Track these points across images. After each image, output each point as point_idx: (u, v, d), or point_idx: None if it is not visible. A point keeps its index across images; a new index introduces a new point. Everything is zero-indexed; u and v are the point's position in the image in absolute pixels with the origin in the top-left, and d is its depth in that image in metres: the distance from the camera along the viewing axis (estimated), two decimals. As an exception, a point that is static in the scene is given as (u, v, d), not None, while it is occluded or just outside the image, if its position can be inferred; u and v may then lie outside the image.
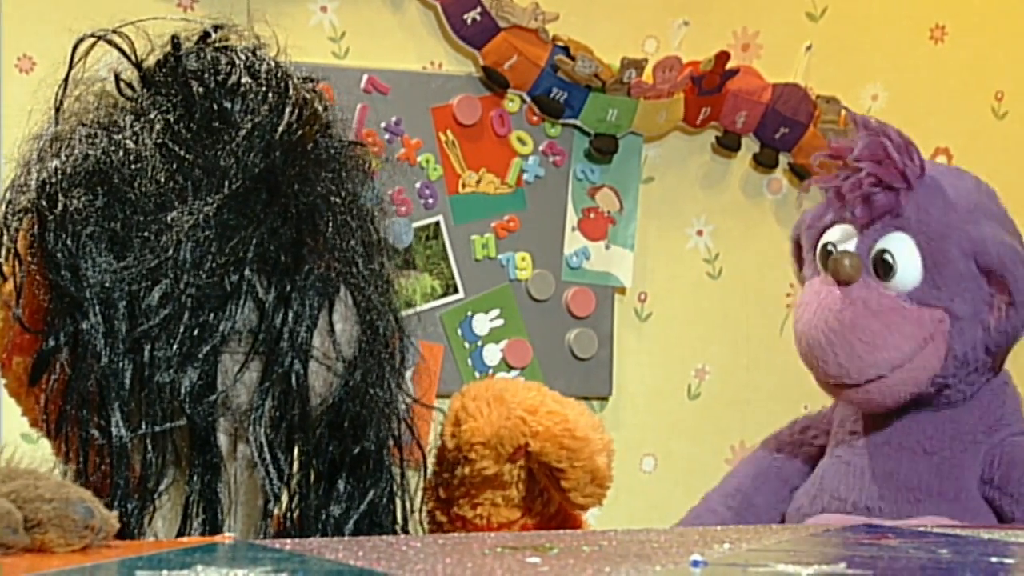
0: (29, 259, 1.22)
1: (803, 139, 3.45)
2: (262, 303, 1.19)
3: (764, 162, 3.49)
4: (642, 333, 3.42)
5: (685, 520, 2.32)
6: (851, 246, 1.90)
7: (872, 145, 1.88)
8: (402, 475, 1.32)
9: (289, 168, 1.22)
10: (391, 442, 1.30)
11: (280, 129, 1.22)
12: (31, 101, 1.30)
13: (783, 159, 3.51)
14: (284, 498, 1.25)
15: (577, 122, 3.30)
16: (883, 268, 1.86)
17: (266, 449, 1.20)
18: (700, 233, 3.47)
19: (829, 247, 1.92)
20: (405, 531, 1.32)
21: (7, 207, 1.25)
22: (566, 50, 3.24)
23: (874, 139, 1.88)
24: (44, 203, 1.20)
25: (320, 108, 1.28)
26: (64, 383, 1.19)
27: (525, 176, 3.29)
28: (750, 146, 3.49)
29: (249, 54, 1.26)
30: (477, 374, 3.20)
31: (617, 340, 3.37)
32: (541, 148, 3.31)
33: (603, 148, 3.32)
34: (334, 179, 1.25)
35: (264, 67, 1.25)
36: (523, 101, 3.29)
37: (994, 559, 0.88)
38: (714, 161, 3.49)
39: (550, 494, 1.35)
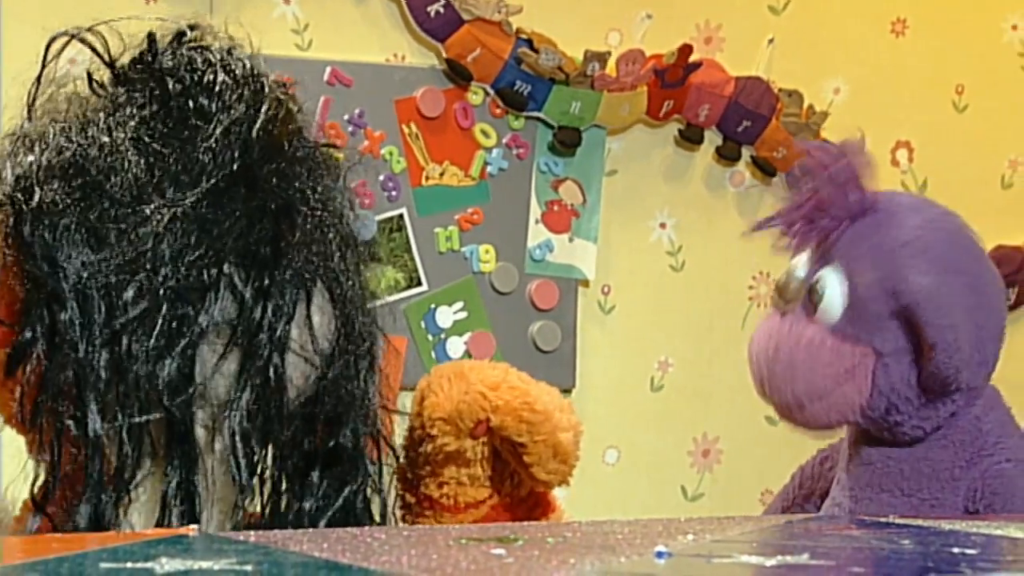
0: (5, 251, 1.21)
1: (765, 132, 3.46)
2: (241, 296, 1.19)
3: (727, 155, 3.50)
4: (605, 326, 3.43)
5: None
6: (801, 272, 1.91)
7: (813, 170, 1.89)
8: (379, 471, 1.32)
9: (266, 164, 1.22)
10: (366, 437, 1.30)
11: (256, 126, 1.22)
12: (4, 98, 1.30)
13: (746, 152, 3.52)
14: (259, 492, 1.25)
15: (541, 115, 3.31)
16: (813, 299, 1.87)
17: (240, 442, 1.20)
18: (663, 226, 3.48)
19: (784, 273, 1.95)
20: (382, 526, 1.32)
21: None
22: (530, 43, 3.24)
23: (816, 165, 1.88)
24: (20, 195, 1.19)
25: (294, 109, 1.29)
26: (40, 375, 1.19)
27: (489, 169, 3.29)
28: (713, 139, 3.50)
29: (224, 54, 1.27)
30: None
31: (580, 333, 3.38)
32: (505, 141, 3.31)
33: (566, 141, 3.32)
34: (309, 177, 1.25)
35: (239, 67, 1.26)
36: (487, 94, 3.29)
37: (955, 549, 0.88)
38: (677, 154, 3.50)
39: (519, 474, 1.35)
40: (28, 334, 1.19)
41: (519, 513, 1.39)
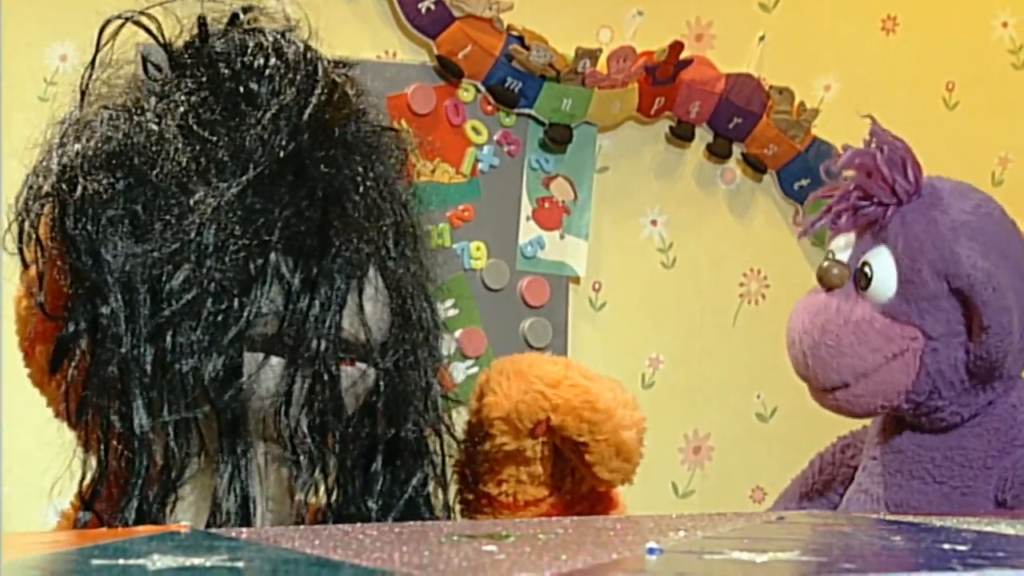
0: (51, 245, 1.20)
1: (756, 129, 3.46)
2: (288, 286, 1.16)
3: (717, 152, 3.50)
4: (596, 322, 3.43)
5: None
6: (844, 256, 1.91)
7: (861, 155, 1.89)
8: (443, 462, 1.30)
9: (316, 150, 1.19)
10: (430, 428, 1.28)
11: (308, 111, 1.19)
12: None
13: (736, 149, 3.52)
14: (322, 488, 1.22)
15: (532, 112, 3.31)
16: (862, 279, 1.87)
17: (298, 436, 1.17)
18: (654, 223, 3.48)
19: (829, 253, 1.94)
20: (448, 518, 1.30)
21: (28, 192, 1.23)
22: (521, 40, 3.24)
23: (866, 151, 1.88)
24: (64, 187, 1.17)
25: (351, 93, 1.26)
26: (85, 370, 1.17)
27: (480, 165, 3.29)
28: (704, 136, 3.50)
29: (278, 36, 1.24)
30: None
31: (571, 329, 3.38)
32: (496, 138, 3.31)
33: (557, 138, 3.32)
34: (363, 162, 1.22)
35: (292, 49, 1.23)
36: (478, 90, 3.28)
37: (946, 546, 0.88)
38: (668, 151, 3.50)
39: (580, 472, 1.33)
40: (72, 328, 1.17)
41: (580, 510, 1.36)
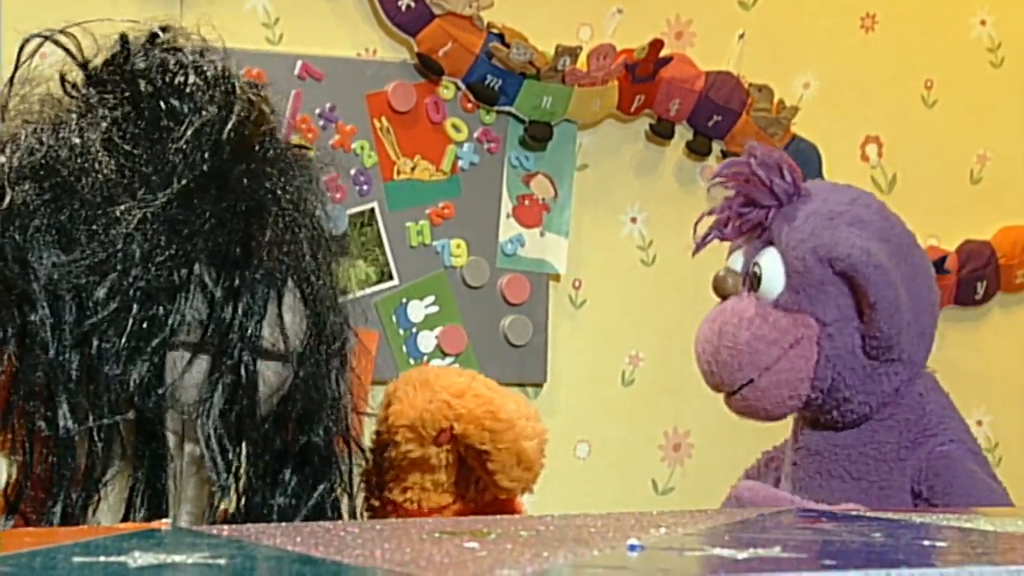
0: None
1: (736, 127, 3.47)
2: (211, 296, 1.19)
3: (697, 150, 3.50)
4: (576, 320, 3.43)
5: None
6: (737, 265, 1.96)
7: (735, 166, 1.94)
8: (350, 469, 1.32)
9: (237, 165, 1.22)
10: (338, 437, 1.30)
11: (228, 128, 1.22)
12: None
13: (716, 147, 3.52)
14: (232, 492, 1.24)
15: (512, 109, 3.31)
16: (754, 281, 1.92)
17: (214, 441, 1.20)
18: (634, 220, 3.48)
19: (719, 271, 1.99)
20: None
21: None
22: (501, 37, 3.24)
23: (739, 162, 1.93)
24: None
25: (266, 110, 1.29)
26: (11, 375, 1.18)
27: (460, 163, 3.29)
28: (683, 134, 3.51)
29: (196, 55, 1.27)
30: (412, 361, 3.20)
31: (552, 327, 3.38)
32: (476, 135, 3.31)
33: (538, 135, 3.32)
34: (280, 177, 1.25)
35: (211, 68, 1.26)
36: (458, 88, 3.28)
37: (926, 542, 0.89)
38: (648, 149, 3.50)
39: (483, 480, 1.36)
40: None
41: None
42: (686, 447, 3.51)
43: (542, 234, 3.36)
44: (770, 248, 1.92)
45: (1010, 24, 3.78)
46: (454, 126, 3.29)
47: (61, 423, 1.17)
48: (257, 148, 1.25)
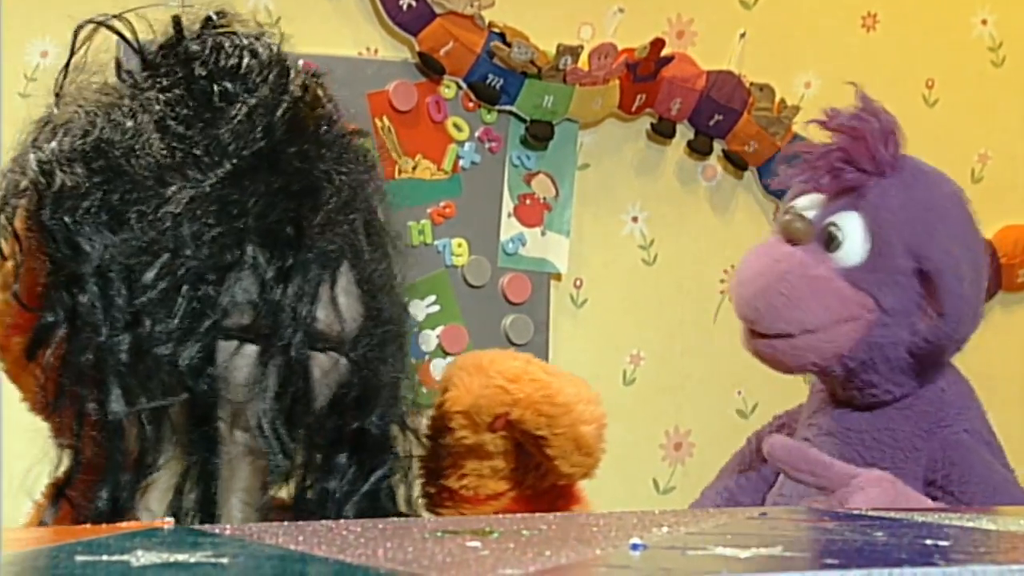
0: (28, 236, 1.21)
1: (737, 126, 3.47)
2: (263, 276, 1.18)
3: (698, 149, 3.50)
4: (577, 319, 3.43)
5: None
6: (810, 212, 1.91)
7: (853, 120, 1.89)
8: (409, 456, 1.31)
9: (290, 145, 1.21)
10: (394, 424, 1.29)
11: (281, 108, 1.21)
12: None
13: (717, 146, 3.53)
14: (286, 478, 1.23)
15: (513, 108, 3.31)
16: (830, 240, 1.88)
17: (267, 424, 1.19)
18: (635, 219, 3.48)
19: (790, 208, 1.94)
20: (408, 514, 1.31)
21: (6, 188, 1.24)
22: (502, 36, 3.24)
23: (857, 117, 1.89)
24: (41, 180, 1.19)
25: (322, 96, 1.28)
26: (61, 358, 1.18)
27: (461, 162, 3.29)
28: (685, 133, 3.51)
29: (251, 39, 1.26)
30: (412, 360, 3.20)
31: (553, 326, 3.38)
32: (477, 134, 3.31)
33: (539, 134, 3.32)
34: (335, 160, 1.24)
35: (266, 51, 1.25)
36: (459, 87, 3.28)
37: (928, 541, 0.89)
38: (649, 148, 3.50)
39: (542, 467, 1.34)
40: (49, 317, 1.18)
41: (542, 505, 1.37)
42: (687, 446, 3.51)
43: (543, 233, 3.37)
44: (854, 214, 1.87)
45: (1011, 23, 3.78)
46: (455, 125, 3.29)
47: (111, 406, 1.16)
48: (311, 130, 1.24)
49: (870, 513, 1.13)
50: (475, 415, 1.30)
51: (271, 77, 1.23)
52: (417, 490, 1.35)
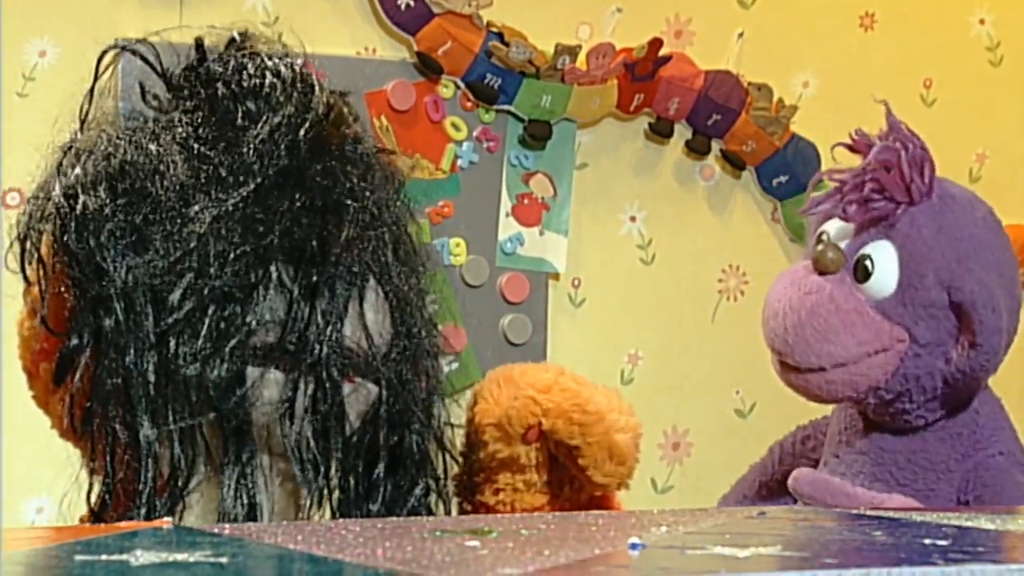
0: (53, 261, 1.21)
1: (735, 126, 3.47)
2: (289, 294, 1.17)
3: (696, 149, 3.51)
4: (576, 319, 3.43)
5: None
6: (842, 243, 1.90)
7: (886, 152, 1.88)
8: (445, 473, 1.30)
9: (314, 163, 1.21)
10: (431, 439, 1.28)
11: (305, 126, 1.21)
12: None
13: (715, 146, 3.53)
14: (325, 497, 1.23)
15: (511, 108, 3.31)
16: (861, 271, 1.87)
17: (301, 445, 1.18)
18: (633, 219, 3.49)
19: (823, 236, 1.93)
20: None
21: (31, 215, 1.24)
22: (500, 36, 3.24)
23: (890, 147, 1.87)
24: (65, 204, 1.19)
25: (347, 114, 1.27)
26: (89, 381, 1.18)
27: (459, 162, 3.29)
28: (683, 132, 3.51)
29: (275, 59, 1.26)
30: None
31: (551, 325, 3.38)
32: (475, 134, 3.31)
33: (537, 134, 3.32)
34: (361, 178, 1.24)
35: (289, 71, 1.25)
36: (457, 87, 3.29)
37: (927, 540, 0.89)
38: (647, 147, 3.50)
39: (577, 479, 1.33)
40: (75, 341, 1.18)
41: None
42: (685, 446, 3.51)
43: (541, 233, 3.37)
44: (886, 243, 1.85)
45: (1009, 23, 3.78)
46: (453, 125, 3.29)
47: (141, 428, 1.16)
48: (336, 148, 1.24)
49: (869, 513, 1.13)
50: (507, 427, 1.28)
51: (295, 96, 1.22)
52: (454, 508, 1.34)
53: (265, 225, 1.17)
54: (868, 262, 1.85)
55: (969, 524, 1.01)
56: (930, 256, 1.83)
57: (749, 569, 0.77)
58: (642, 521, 1.02)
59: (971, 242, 1.85)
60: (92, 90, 1.28)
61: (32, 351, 1.26)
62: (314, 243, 1.18)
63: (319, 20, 3.20)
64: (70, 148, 1.24)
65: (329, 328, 1.18)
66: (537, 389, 1.28)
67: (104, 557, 0.80)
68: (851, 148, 1.94)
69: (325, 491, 1.22)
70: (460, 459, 1.34)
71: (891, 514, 1.11)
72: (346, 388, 1.20)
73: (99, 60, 1.29)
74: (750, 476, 2.23)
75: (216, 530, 0.96)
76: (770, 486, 2.16)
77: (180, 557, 0.79)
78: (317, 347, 1.17)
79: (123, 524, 1.12)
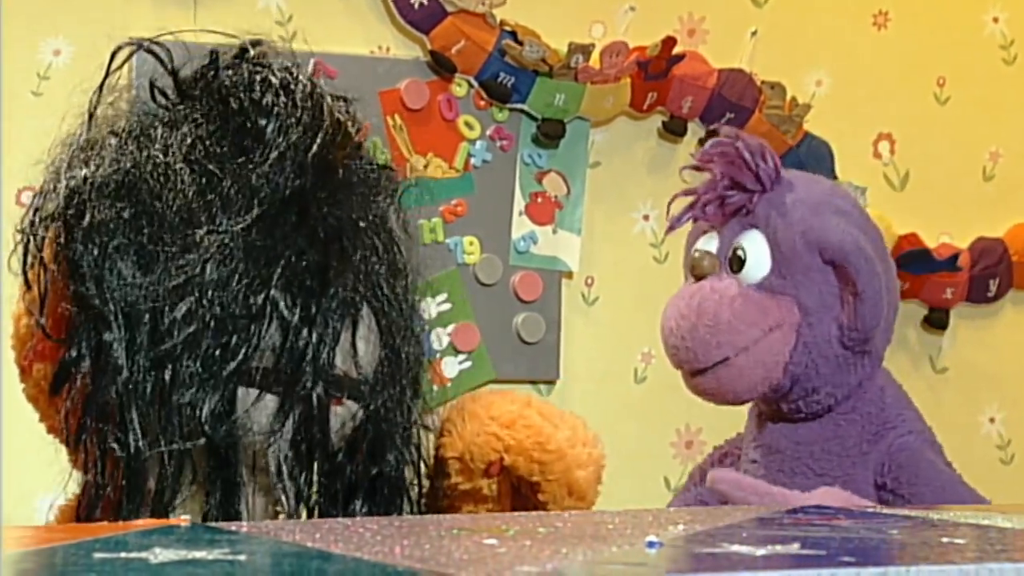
0: (54, 268, 1.21)
1: (748, 124, 3.46)
2: (287, 324, 1.17)
3: (710, 147, 3.50)
4: (589, 317, 3.43)
5: None
6: (711, 247, 1.96)
7: (722, 146, 1.94)
8: (419, 500, 1.32)
9: (319, 190, 1.21)
10: (409, 464, 1.29)
11: (313, 151, 1.21)
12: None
13: (729, 144, 3.52)
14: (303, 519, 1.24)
15: (524, 107, 3.31)
16: (736, 263, 1.92)
17: (285, 469, 1.19)
18: (646, 218, 3.48)
19: (694, 252, 1.99)
20: None
21: (34, 213, 1.24)
22: (513, 35, 3.24)
23: (726, 144, 1.93)
24: (71, 212, 1.19)
25: (352, 130, 1.28)
26: (84, 394, 1.18)
27: (473, 160, 3.29)
28: (696, 131, 3.50)
29: (285, 74, 1.26)
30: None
31: (564, 324, 3.38)
32: (489, 133, 3.31)
33: (550, 133, 3.32)
34: (362, 201, 1.24)
35: (299, 88, 1.25)
36: (471, 86, 3.28)
37: (944, 539, 0.89)
38: (660, 146, 3.50)
39: (539, 511, 1.34)
40: (74, 352, 1.19)
41: None
42: (698, 444, 3.51)
43: (555, 231, 3.36)
44: (753, 231, 1.92)
45: (1023, 21, 3.77)
46: (467, 123, 3.29)
47: (132, 444, 1.17)
48: (341, 171, 1.24)
49: (885, 511, 1.13)
50: (469, 461, 1.31)
51: (304, 117, 1.22)
52: None
53: (267, 253, 1.18)
54: (740, 251, 1.91)
55: (985, 522, 1.01)
56: (793, 223, 1.89)
57: (766, 567, 0.78)
58: (659, 519, 1.02)
59: (828, 205, 1.94)
60: (102, 85, 1.28)
61: (26, 349, 1.26)
62: (315, 273, 1.19)
63: (333, 19, 3.21)
64: (78, 144, 1.24)
65: (322, 357, 1.19)
66: (500, 424, 1.31)
67: (123, 555, 0.80)
68: (696, 168, 2.01)
69: (304, 508, 1.23)
70: (426, 483, 1.35)
71: (908, 512, 1.11)
72: (335, 415, 1.21)
73: (112, 56, 1.29)
74: (675, 503, 2.27)
75: (234, 528, 0.96)
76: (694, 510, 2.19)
77: (199, 555, 0.80)
78: (310, 375, 1.18)
79: (141, 522, 1.12)
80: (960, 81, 3.72)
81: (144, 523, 1.07)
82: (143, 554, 0.79)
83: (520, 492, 1.34)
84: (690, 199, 1.98)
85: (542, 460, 1.29)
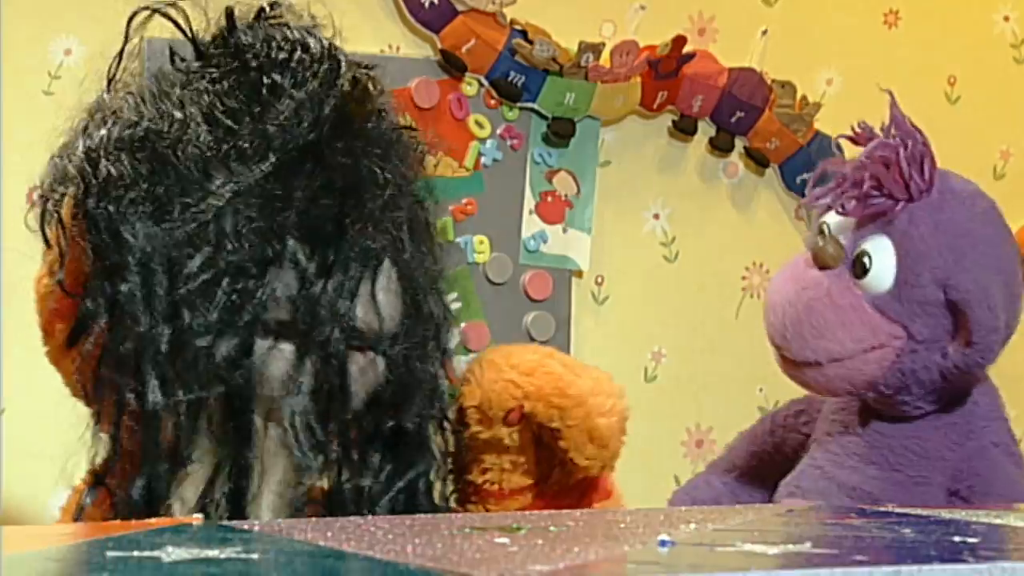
0: (73, 225, 1.22)
1: (759, 123, 3.47)
2: (303, 271, 1.18)
3: (720, 146, 3.50)
4: (599, 316, 3.43)
5: (683, 488, 2.33)
6: (842, 237, 1.90)
7: (885, 148, 1.88)
8: (444, 455, 1.32)
9: (336, 141, 1.21)
10: (433, 420, 1.30)
11: (329, 103, 1.22)
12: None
13: (739, 143, 3.52)
14: (320, 472, 1.24)
15: (535, 106, 3.31)
16: (859, 267, 1.87)
17: (301, 420, 1.19)
18: (657, 217, 3.48)
19: (824, 228, 1.93)
20: (442, 509, 1.32)
21: (53, 175, 1.26)
22: (524, 34, 3.24)
23: (889, 143, 1.88)
24: (88, 168, 1.20)
25: (373, 91, 1.28)
26: (102, 346, 1.19)
27: (483, 159, 3.29)
28: (706, 130, 3.50)
29: (303, 32, 1.27)
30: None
31: (574, 323, 3.38)
32: (499, 132, 3.31)
33: (561, 132, 3.32)
34: (382, 157, 1.24)
35: (317, 45, 1.26)
36: (481, 85, 3.28)
37: (957, 538, 0.89)
38: (671, 145, 3.50)
39: (564, 461, 1.34)
40: (90, 305, 1.19)
41: (570, 500, 1.37)
42: (708, 443, 3.51)
43: (565, 230, 3.36)
44: (886, 240, 1.86)
45: (1034, 20, 3.77)
46: (477, 123, 3.29)
47: (150, 396, 1.17)
48: (359, 125, 1.24)
49: (897, 510, 1.13)
50: (487, 409, 1.31)
51: (321, 71, 1.23)
52: (450, 486, 1.36)
53: (284, 202, 1.18)
54: (866, 258, 1.86)
55: (999, 522, 1.01)
56: (927, 254, 1.83)
57: (779, 566, 0.78)
58: (671, 518, 1.02)
59: (969, 239, 1.86)
60: (122, 52, 1.29)
61: (48, 309, 1.27)
62: (331, 222, 1.19)
63: (343, 17, 3.18)
64: (97, 109, 1.25)
65: (340, 308, 1.19)
66: (520, 371, 1.30)
67: (136, 553, 0.81)
68: (853, 140, 1.95)
69: (323, 463, 1.23)
70: (451, 438, 1.36)
71: (920, 511, 1.11)
72: (356, 365, 1.21)
73: (129, 21, 1.30)
74: (740, 444, 2.24)
75: (247, 526, 0.97)
76: (760, 456, 2.17)
77: (211, 553, 0.80)
78: (327, 326, 1.18)
79: (154, 520, 1.13)
80: (970, 80, 3.71)
81: (157, 522, 1.08)
82: (156, 552, 0.79)
83: (543, 443, 1.33)
84: (832, 176, 1.92)
85: (562, 405, 1.29)
